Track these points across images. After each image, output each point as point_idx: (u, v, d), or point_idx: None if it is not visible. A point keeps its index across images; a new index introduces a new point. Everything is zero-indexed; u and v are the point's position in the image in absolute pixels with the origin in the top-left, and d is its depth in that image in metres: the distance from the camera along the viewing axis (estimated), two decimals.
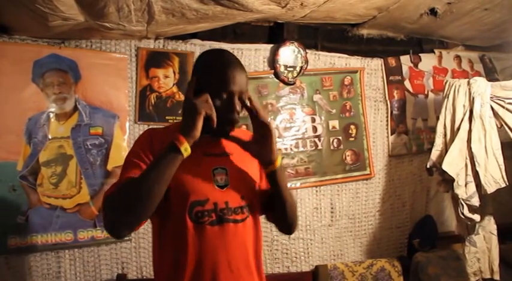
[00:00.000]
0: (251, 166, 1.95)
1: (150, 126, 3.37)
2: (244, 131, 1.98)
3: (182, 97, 3.48)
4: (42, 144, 3.15)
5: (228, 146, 1.91)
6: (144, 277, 3.39)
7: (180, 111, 3.46)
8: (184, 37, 3.54)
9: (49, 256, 3.18)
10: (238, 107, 1.79)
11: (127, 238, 3.34)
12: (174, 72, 3.51)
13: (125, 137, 3.38)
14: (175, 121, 1.77)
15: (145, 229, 3.37)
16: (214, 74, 1.81)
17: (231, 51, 3.54)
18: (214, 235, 1.79)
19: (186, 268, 1.77)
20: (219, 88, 1.78)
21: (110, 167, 3.32)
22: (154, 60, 3.47)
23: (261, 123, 1.81)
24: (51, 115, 3.19)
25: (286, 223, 2.02)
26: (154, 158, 1.71)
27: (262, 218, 2.01)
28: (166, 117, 3.46)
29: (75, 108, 3.25)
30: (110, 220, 1.66)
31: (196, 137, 1.69)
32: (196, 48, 3.57)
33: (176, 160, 1.66)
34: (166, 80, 3.49)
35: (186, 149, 1.66)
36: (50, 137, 3.17)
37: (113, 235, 1.69)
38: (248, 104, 1.81)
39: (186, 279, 1.77)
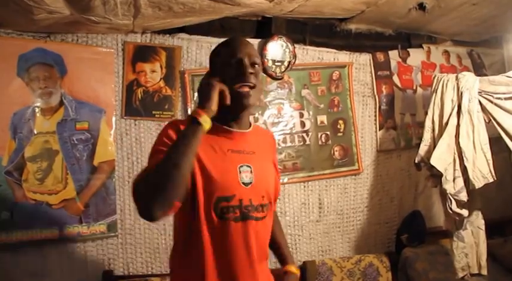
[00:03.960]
0: (270, 166, 2.05)
1: (137, 121, 3.42)
2: (266, 131, 2.11)
3: (169, 92, 3.48)
4: (27, 139, 3.11)
5: (252, 144, 1.95)
6: (131, 274, 3.36)
7: (166, 106, 3.48)
8: (171, 31, 3.51)
9: (35, 253, 3.13)
10: (250, 69, 1.84)
11: (113, 234, 3.32)
12: (161, 67, 3.47)
13: (111, 132, 3.35)
14: None
15: (132, 224, 3.37)
16: (224, 50, 1.90)
17: None
18: (237, 231, 1.83)
19: (206, 262, 1.82)
20: (228, 59, 1.84)
21: (96, 162, 3.28)
22: (141, 54, 3.44)
23: None
24: (37, 110, 3.15)
25: None
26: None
27: None
28: (153, 112, 3.44)
29: (61, 103, 3.21)
30: (141, 205, 1.63)
31: (214, 110, 1.74)
32: (184, 42, 3.54)
33: (198, 132, 1.69)
34: (153, 74, 3.46)
35: (205, 120, 1.70)
36: (35, 132, 3.13)
37: (147, 218, 1.66)
38: None
39: (206, 272, 1.81)
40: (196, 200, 1.80)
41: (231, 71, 1.82)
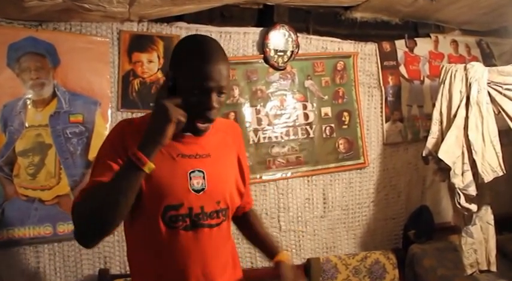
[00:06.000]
0: (230, 168, 1.94)
1: (134, 114, 3.31)
2: (230, 123, 1.95)
3: None
4: (18, 132, 3.02)
5: (208, 145, 1.83)
6: (128, 272, 3.23)
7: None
8: (169, 20, 3.41)
9: (27, 251, 3.07)
10: (215, 104, 1.68)
11: None
12: (159, 57, 3.39)
13: (107, 125, 3.26)
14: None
15: None
16: (189, 68, 1.67)
17: (219, 35, 3.54)
18: (188, 240, 1.76)
19: (157, 272, 1.78)
20: (194, 84, 1.65)
21: (91, 156, 3.18)
22: (138, 44, 3.35)
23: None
24: (28, 102, 3.05)
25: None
26: (120, 168, 1.62)
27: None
28: (151, 104, 3.31)
29: (54, 95, 3.12)
30: (78, 229, 1.62)
31: (165, 144, 1.60)
32: (182, 31, 3.44)
33: (140, 176, 1.58)
34: (151, 64, 3.37)
35: (149, 168, 1.56)
36: (26, 125, 3.04)
37: (81, 244, 1.64)
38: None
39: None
40: (144, 209, 1.72)
41: (194, 100, 1.65)
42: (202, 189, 1.77)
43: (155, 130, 1.58)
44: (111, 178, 1.59)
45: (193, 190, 1.75)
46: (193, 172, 1.76)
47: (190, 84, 1.65)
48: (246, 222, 2.15)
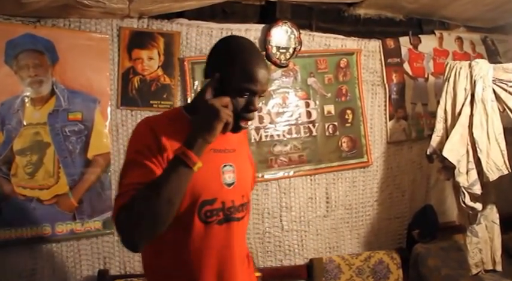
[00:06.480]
0: (248, 163, 2.04)
1: (134, 112, 3.30)
2: None
3: (168, 80, 3.36)
4: (16, 131, 2.99)
5: (232, 141, 1.89)
6: (128, 273, 3.26)
7: (165, 96, 3.35)
8: (170, 16, 3.38)
9: (25, 252, 3.03)
10: (258, 106, 1.76)
11: (109, 231, 3.21)
12: (159, 54, 3.35)
13: (107, 123, 3.23)
14: (172, 108, 1.76)
15: None
16: (244, 72, 1.71)
17: (220, 32, 3.45)
18: (220, 233, 1.79)
19: (189, 266, 1.77)
20: (246, 87, 1.71)
21: (90, 155, 3.17)
22: (138, 40, 3.31)
23: None
24: (26, 100, 3.02)
25: None
26: (167, 168, 1.60)
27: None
28: (151, 102, 3.32)
29: (53, 92, 3.08)
30: (128, 234, 1.58)
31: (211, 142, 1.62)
32: (183, 28, 3.42)
33: (189, 176, 1.58)
34: (151, 62, 3.34)
35: (198, 167, 1.58)
36: (24, 123, 3.01)
37: (130, 248, 1.60)
38: None
39: (188, 277, 1.78)
40: (180, 207, 1.66)
41: (241, 102, 1.71)
42: (233, 183, 1.82)
43: (205, 129, 1.59)
44: (155, 178, 1.58)
45: (225, 184, 1.80)
46: (225, 166, 1.81)
47: (242, 86, 1.70)
48: None
